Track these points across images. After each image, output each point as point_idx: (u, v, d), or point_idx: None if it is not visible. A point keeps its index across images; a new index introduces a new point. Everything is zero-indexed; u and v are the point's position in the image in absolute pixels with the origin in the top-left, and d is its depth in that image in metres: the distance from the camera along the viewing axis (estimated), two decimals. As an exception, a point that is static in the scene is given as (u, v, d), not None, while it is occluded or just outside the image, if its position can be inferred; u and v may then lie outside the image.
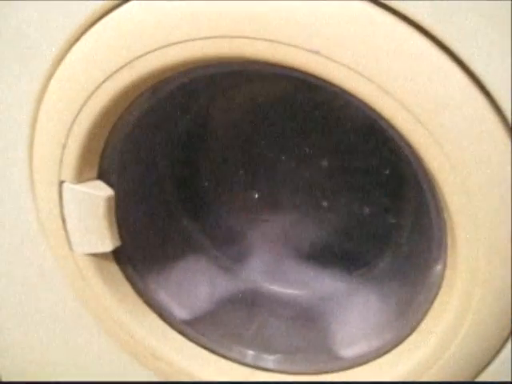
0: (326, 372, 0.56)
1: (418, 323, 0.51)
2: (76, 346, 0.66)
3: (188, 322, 0.60)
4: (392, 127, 0.43)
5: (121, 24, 0.45)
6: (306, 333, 0.61)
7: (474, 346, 0.48)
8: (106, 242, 0.54)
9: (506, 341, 0.48)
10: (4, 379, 0.72)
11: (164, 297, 0.60)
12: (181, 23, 0.43)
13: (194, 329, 0.60)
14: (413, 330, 0.51)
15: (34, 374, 0.70)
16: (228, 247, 0.67)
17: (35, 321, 0.66)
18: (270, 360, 0.59)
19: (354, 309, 0.61)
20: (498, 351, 0.49)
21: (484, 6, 0.38)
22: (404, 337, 0.52)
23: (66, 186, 0.52)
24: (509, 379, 0.50)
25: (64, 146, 0.50)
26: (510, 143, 0.41)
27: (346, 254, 0.65)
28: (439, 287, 0.48)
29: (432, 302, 0.49)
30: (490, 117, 0.40)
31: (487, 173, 0.41)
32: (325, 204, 0.65)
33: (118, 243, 0.55)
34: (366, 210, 0.63)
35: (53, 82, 0.50)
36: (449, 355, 0.48)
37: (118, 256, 0.57)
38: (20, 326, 0.68)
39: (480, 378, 0.50)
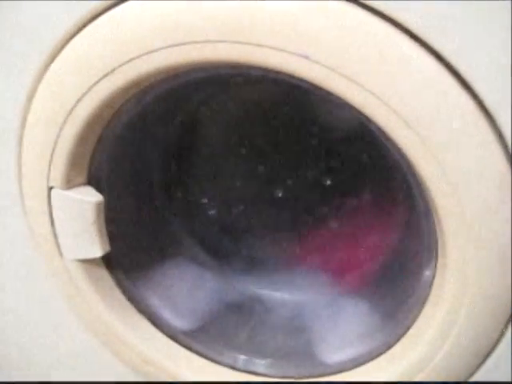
0: (317, 376, 0.56)
1: (408, 327, 0.51)
2: (66, 351, 0.66)
3: (179, 328, 0.60)
4: (382, 132, 0.43)
5: (109, 28, 0.45)
6: (297, 337, 0.61)
7: (464, 349, 0.48)
8: (96, 248, 0.54)
9: (496, 343, 0.48)
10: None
11: (154, 302, 0.60)
12: (171, 28, 0.43)
13: (184, 334, 0.60)
14: (403, 334, 0.51)
15: (24, 376, 0.70)
16: (219, 252, 0.67)
17: (25, 325, 0.66)
18: (261, 364, 0.59)
19: (345, 313, 0.61)
20: (489, 353, 0.49)
21: (474, 7, 0.38)
22: (394, 341, 0.52)
23: (54, 191, 0.52)
24: (502, 379, 0.50)
25: (52, 152, 0.50)
26: (499, 151, 0.41)
27: (336, 259, 0.65)
28: (429, 292, 0.48)
29: (422, 307, 0.49)
30: (480, 123, 0.40)
31: (478, 179, 0.41)
32: (315, 208, 0.65)
33: (107, 249, 0.55)
34: (356, 215, 0.63)
35: (41, 86, 0.49)
36: (439, 359, 0.48)
37: (108, 261, 0.57)
38: (10, 329, 0.67)
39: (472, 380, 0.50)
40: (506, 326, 0.47)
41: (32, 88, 0.50)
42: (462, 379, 0.50)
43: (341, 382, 0.54)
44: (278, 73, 0.43)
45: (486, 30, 0.39)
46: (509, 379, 0.49)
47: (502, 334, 0.47)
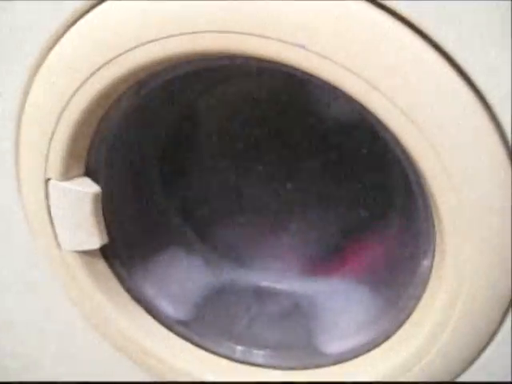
0: (315, 367, 0.56)
1: (407, 317, 0.51)
2: (65, 343, 0.66)
3: (177, 318, 0.60)
4: (380, 123, 0.43)
5: (104, 21, 0.45)
6: (295, 328, 0.61)
7: (463, 338, 0.48)
8: (94, 239, 0.54)
9: (494, 334, 0.48)
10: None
11: (152, 293, 0.60)
12: (165, 19, 0.43)
13: (182, 325, 0.60)
14: (402, 324, 0.51)
15: (24, 374, 0.70)
16: (217, 243, 0.67)
17: (23, 318, 0.66)
18: (259, 355, 0.59)
19: (343, 304, 0.61)
20: (487, 345, 0.49)
21: (479, 7, 0.38)
22: (393, 331, 0.52)
23: (52, 183, 0.52)
24: (498, 372, 0.50)
25: (50, 144, 0.50)
26: (499, 144, 0.41)
27: (336, 249, 0.65)
28: (427, 282, 0.48)
29: (420, 297, 0.49)
30: (481, 117, 0.40)
31: (477, 171, 0.41)
32: (314, 199, 0.65)
33: (105, 240, 0.55)
34: (355, 205, 0.63)
35: (37, 79, 0.49)
36: (437, 349, 0.48)
37: (106, 253, 0.57)
38: (8, 323, 0.67)
39: (470, 371, 0.50)
40: (503, 318, 0.47)
41: (28, 81, 0.50)
42: (458, 372, 0.50)
43: (337, 383, 0.55)
44: (274, 63, 0.43)
45: (487, 24, 0.38)
46: (507, 372, 0.49)
47: (499, 326, 0.47)
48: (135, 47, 0.44)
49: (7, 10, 0.48)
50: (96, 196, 0.52)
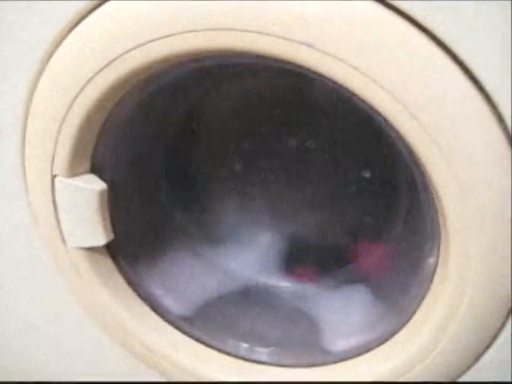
0: (319, 365, 0.56)
1: (411, 316, 0.51)
2: (68, 341, 0.66)
3: (182, 316, 0.61)
4: (384, 119, 0.43)
5: (107, 21, 0.45)
6: (299, 326, 0.61)
7: (466, 338, 0.48)
8: (99, 236, 0.54)
9: (497, 334, 0.48)
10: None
11: (157, 290, 0.61)
12: (172, 16, 0.43)
13: (187, 322, 0.60)
14: (406, 322, 0.52)
15: (26, 374, 0.70)
16: (222, 241, 0.67)
17: (27, 315, 0.66)
18: (263, 353, 0.59)
19: (347, 302, 0.61)
20: (490, 344, 0.49)
21: (484, 7, 0.38)
22: (397, 330, 0.52)
23: (58, 180, 0.52)
24: (499, 373, 0.50)
25: (56, 141, 0.50)
26: (500, 134, 0.41)
27: (340, 247, 0.66)
28: (432, 280, 0.49)
29: (424, 295, 0.49)
30: (481, 107, 0.40)
31: (479, 164, 0.41)
32: (319, 197, 0.65)
33: (111, 237, 0.55)
34: (360, 204, 0.63)
35: (44, 77, 0.49)
36: (440, 349, 0.48)
37: (112, 249, 0.57)
38: (12, 320, 0.68)
39: (472, 371, 0.51)
40: (506, 317, 0.47)
41: (34, 79, 0.50)
42: (460, 372, 0.51)
43: (339, 382, 0.55)
44: (281, 61, 0.43)
45: (486, 16, 0.38)
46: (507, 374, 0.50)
47: (502, 325, 0.47)
48: (139, 46, 0.44)
49: (13, 10, 0.48)
50: (101, 193, 0.53)
